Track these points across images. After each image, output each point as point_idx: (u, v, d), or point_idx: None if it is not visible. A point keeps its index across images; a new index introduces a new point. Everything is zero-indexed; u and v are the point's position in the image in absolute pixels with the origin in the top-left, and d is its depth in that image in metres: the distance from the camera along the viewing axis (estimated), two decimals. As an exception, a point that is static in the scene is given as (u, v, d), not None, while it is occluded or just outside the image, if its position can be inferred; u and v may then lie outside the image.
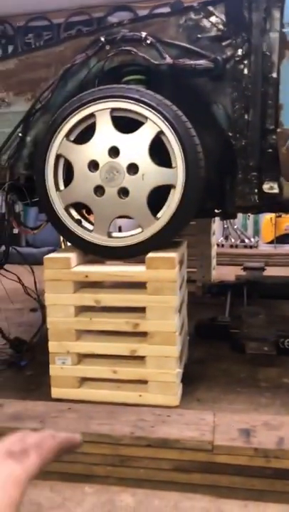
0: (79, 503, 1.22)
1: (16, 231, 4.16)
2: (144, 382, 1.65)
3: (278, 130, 1.66)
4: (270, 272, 3.73)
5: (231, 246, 5.20)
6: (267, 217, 5.18)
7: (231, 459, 1.23)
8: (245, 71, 1.68)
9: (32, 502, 1.23)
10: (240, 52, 1.68)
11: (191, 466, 1.26)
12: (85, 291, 1.71)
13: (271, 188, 1.72)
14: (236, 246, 5.19)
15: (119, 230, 4.59)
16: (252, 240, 5.26)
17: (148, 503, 1.21)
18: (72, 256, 1.68)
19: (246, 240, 5.26)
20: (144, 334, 1.64)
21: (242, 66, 1.68)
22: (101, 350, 1.68)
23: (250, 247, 5.14)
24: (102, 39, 1.73)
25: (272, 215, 5.06)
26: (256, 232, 5.40)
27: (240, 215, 5.28)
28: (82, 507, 1.21)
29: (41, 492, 1.27)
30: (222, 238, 5.36)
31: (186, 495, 1.24)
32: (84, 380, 1.72)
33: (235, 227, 5.37)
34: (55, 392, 1.71)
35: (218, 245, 4.84)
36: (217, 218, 3.95)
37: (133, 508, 1.20)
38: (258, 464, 1.22)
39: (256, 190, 1.76)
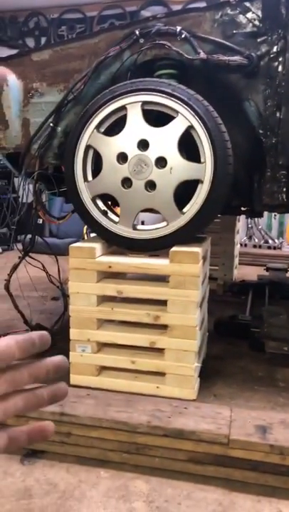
0: (94, 485, 1.25)
1: (40, 221, 4.22)
2: (162, 374, 1.67)
3: (310, 129, 1.64)
4: (293, 273, 3.69)
5: (254, 246, 5.15)
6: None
7: (246, 454, 1.24)
8: (280, 68, 1.67)
9: (48, 482, 1.27)
10: (275, 49, 1.66)
11: (206, 458, 1.27)
12: (107, 281, 1.73)
13: (299, 187, 1.70)
14: (260, 246, 5.14)
15: (142, 224, 4.60)
16: (276, 241, 5.20)
17: (161, 490, 1.23)
18: (97, 246, 1.70)
19: (270, 241, 5.20)
20: (164, 327, 1.65)
21: (276, 63, 1.67)
22: (121, 340, 1.71)
23: (274, 248, 5.08)
24: (137, 32, 1.74)
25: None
26: (281, 234, 5.33)
27: (265, 216, 5.23)
28: (97, 490, 1.23)
29: (57, 473, 1.30)
30: (245, 238, 5.31)
31: (199, 486, 1.25)
32: (102, 369, 1.75)
33: (260, 227, 5.32)
34: (74, 378, 1.74)
35: (241, 245, 4.81)
36: (242, 217, 3.93)
37: (146, 494, 1.22)
38: (273, 461, 1.22)
39: (284, 189, 1.74)
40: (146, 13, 5.03)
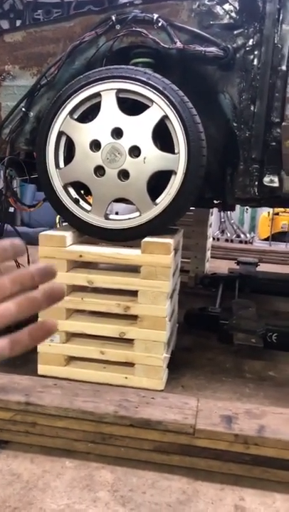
0: (58, 475, 1.24)
1: (11, 210, 4.12)
2: (131, 364, 1.66)
3: (283, 124, 1.66)
4: (264, 268, 3.76)
5: (227, 240, 5.22)
6: (264, 214, 5.19)
7: (211, 444, 1.25)
8: (255, 62, 1.68)
9: (12, 472, 1.25)
10: (251, 42, 1.67)
11: (171, 448, 1.28)
12: (78, 270, 1.71)
13: (271, 181, 1.72)
14: (232, 240, 5.21)
15: (116, 214, 4.58)
16: (247, 235, 5.28)
17: (126, 480, 1.23)
18: (68, 235, 1.67)
19: (242, 235, 5.28)
20: (134, 317, 1.65)
21: (252, 56, 1.67)
22: (90, 330, 1.69)
23: (246, 242, 5.16)
24: (113, 18, 1.71)
25: (270, 211, 5.08)
26: (252, 228, 5.42)
27: (238, 210, 5.30)
28: (61, 480, 1.22)
29: (21, 463, 1.28)
30: (218, 232, 5.37)
31: (164, 475, 1.26)
32: (71, 359, 1.73)
33: (232, 221, 5.39)
34: (42, 369, 1.72)
35: (213, 239, 4.85)
36: (214, 211, 3.95)
37: (111, 484, 1.21)
38: (237, 450, 1.24)
39: (256, 183, 1.76)
40: None
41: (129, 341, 1.67)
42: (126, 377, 1.66)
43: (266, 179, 1.72)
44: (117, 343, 1.69)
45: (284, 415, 1.35)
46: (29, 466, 1.27)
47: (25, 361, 1.86)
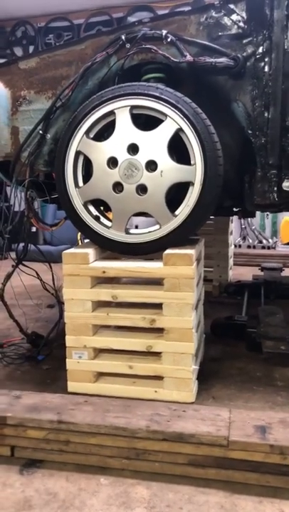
0: (94, 493, 1.24)
1: (34, 229, 4.20)
2: (160, 378, 1.66)
3: (298, 128, 1.65)
4: (288, 272, 3.70)
5: (249, 246, 5.17)
6: (286, 218, 5.13)
7: (246, 455, 1.23)
8: (266, 69, 1.68)
9: (48, 492, 1.25)
10: (260, 49, 1.67)
11: (206, 461, 1.27)
12: (102, 286, 1.72)
13: (290, 186, 1.71)
14: (254, 247, 5.16)
15: (136, 228, 4.60)
16: (270, 240, 5.22)
17: (162, 495, 1.22)
18: (91, 252, 1.70)
19: (264, 241, 5.22)
20: (160, 330, 1.65)
21: (262, 64, 1.68)
22: (117, 345, 1.70)
23: (268, 247, 5.10)
24: (123, 37, 1.75)
25: (291, 215, 5.01)
26: (274, 233, 5.35)
27: (258, 216, 5.25)
28: (97, 497, 1.22)
29: (57, 482, 1.29)
30: (239, 239, 5.33)
31: (200, 489, 1.24)
32: (100, 375, 1.74)
33: (253, 227, 5.34)
34: (72, 386, 1.73)
35: (235, 246, 4.82)
36: (235, 218, 3.94)
37: (147, 500, 1.20)
38: (274, 461, 1.22)
39: (275, 188, 1.75)
40: (132, 19, 5.06)
41: (157, 354, 1.66)
42: (156, 391, 1.66)
43: (285, 184, 1.70)
44: (144, 357, 1.69)
45: None
46: (65, 484, 1.28)
47: (54, 379, 1.88)
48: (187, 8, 1.86)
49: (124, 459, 1.32)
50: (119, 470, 1.32)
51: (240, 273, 3.90)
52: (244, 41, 1.68)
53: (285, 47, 1.63)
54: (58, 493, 1.24)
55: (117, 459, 1.33)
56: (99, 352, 1.75)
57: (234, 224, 4.00)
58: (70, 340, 1.72)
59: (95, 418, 1.36)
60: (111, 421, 1.35)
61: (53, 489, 1.26)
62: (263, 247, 5.11)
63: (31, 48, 5.78)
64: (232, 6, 1.67)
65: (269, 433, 1.27)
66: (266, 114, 1.70)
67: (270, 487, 1.23)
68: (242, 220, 5.13)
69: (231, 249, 3.63)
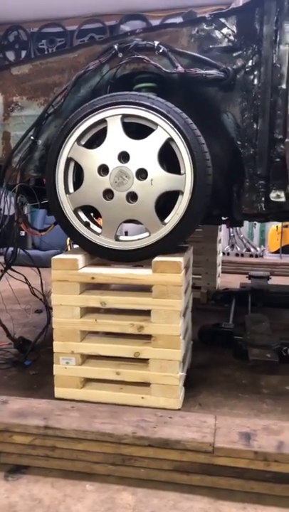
0: (79, 499, 1.24)
1: (22, 233, 4.16)
2: (147, 384, 1.67)
3: (286, 140, 1.69)
4: (275, 281, 3.75)
5: (237, 254, 5.22)
6: (273, 227, 5.20)
7: (231, 462, 1.25)
8: (255, 81, 1.72)
9: (33, 497, 1.25)
10: (250, 63, 1.71)
11: (191, 467, 1.28)
12: (91, 292, 1.73)
13: (278, 196, 1.74)
14: (242, 255, 5.21)
15: (126, 234, 4.62)
16: (258, 249, 5.27)
17: (147, 501, 1.23)
18: (80, 258, 1.71)
19: (252, 249, 5.27)
20: (148, 337, 1.66)
21: (252, 77, 1.72)
22: (105, 352, 1.71)
23: (256, 256, 5.16)
24: (116, 47, 1.77)
25: (279, 224, 5.08)
26: (262, 242, 5.41)
27: (246, 224, 5.31)
28: (82, 503, 1.22)
29: (42, 488, 1.29)
30: (228, 247, 5.38)
31: (185, 495, 1.25)
32: (87, 381, 1.74)
33: (242, 236, 5.39)
34: (58, 391, 1.73)
35: (223, 253, 4.86)
36: (223, 226, 3.97)
37: (132, 506, 1.21)
38: (258, 468, 1.23)
39: (263, 199, 1.78)
40: (125, 27, 5.11)
41: (145, 361, 1.67)
42: (143, 398, 1.67)
43: (273, 195, 1.74)
44: (132, 363, 1.70)
45: (303, 430, 1.34)
46: (50, 490, 1.28)
47: (41, 385, 1.88)
48: (179, 20, 1.90)
49: (110, 465, 1.33)
50: (105, 476, 1.33)
51: (228, 280, 3.94)
52: (234, 54, 1.72)
53: (274, 61, 1.67)
54: (42, 499, 1.24)
55: (103, 464, 1.33)
56: (86, 358, 1.75)
57: (223, 232, 4.04)
58: (57, 345, 1.72)
59: (81, 424, 1.37)
60: (97, 427, 1.35)
61: (38, 495, 1.26)
62: (251, 255, 5.17)
63: (23, 53, 5.79)
64: (223, 20, 1.71)
65: (254, 440, 1.29)
66: (255, 126, 1.74)
67: (254, 493, 1.25)
68: (231, 229, 5.18)
69: (220, 257, 3.67)
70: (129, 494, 1.26)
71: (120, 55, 1.78)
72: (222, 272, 3.90)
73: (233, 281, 3.80)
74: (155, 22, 5.02)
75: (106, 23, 5.35)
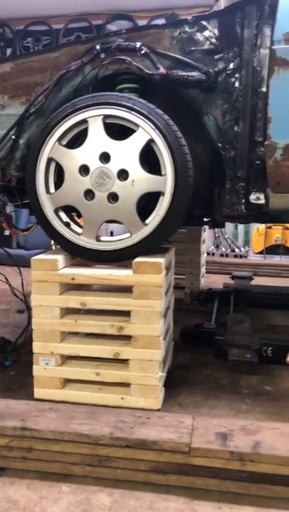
0: (55, 501, 1.24)
1: (7, 233, 4.15)
2: (127, 385, 1.67)
3: (266, 143, 1.71)
4: (259, 281, 3.78)
5: (222, 255, 5.25)
6: (256, 229, 5.25)
7: (207, 462, 1.26)
8: (236, 84, 1.73)
9: (8, 499, 1.24)
10: (231, 66, 1.72)
11: (168, 467, 1.28)
12: (71, 293, 1.73)
13: (258, 198, 1.76)
14: (226, 255, 5.24)
15: (111, 234, 4.62)
16: (242, 249, 5.31)
17: (123, 502, 1.23)
18: (60, 258, 1.70)
19: (236, 250, 5.31)
20: (128, 337, 1.66)
21: (233, 79, 1.73)
22: (85, 352, 1.70)
23: (240, 256, 5.19)
24: (98, 47, 1.77)
25: (260, 226, 5.13)
26: (246, 242, 5.46)
27: (231, 225, 5.35)
28: (58, 505, 1.22)
29: (18, 490, 1.28)
30: (213, 247, 5.41)
31: (161, 496, 1.26)
32: (67, 382, 1.74)
33: (226, 236, 5.43)
34: (38, 392, 1.72)
35: (208, 254, 4.89)
36: (208, 227, 4.00)
37: (108, 507, 1.21)
38: (234, 467, 1.25)
39: (243, 201, 1.79)
40: (112, 27, 5.10)
41: (125, 362, 1.68)
42: (122, 398, 1.67)
43: (252, 197, 1.75)
44: (112, 364, 1.70)
45: (279, 430, 1.36)
46: (26, 492, 1.27)
47: (21, 385, 1.87)
48: (162, 22, 1.90)
49: (87, 466, 1.33)
50: (81, 477, 1.33)
51: (212, 281, 3.96)
52: (216, 57, 1.73)
53: (254, 64, 1.68)
54: (18, 501, 1.24)
55: (80, 466, 1.33)
56: (66, 359, 1.75)
57: (208, 232, 4.06)
58: (37, 346, 1.71)
59: (58, 425, 1.36)
60: (75, 428, 1.35)
61: (14, 497, 1.25)
62: (236, 256, 5.20)
63: (9, 51, 5.74)
64: (204, 23, 1.72)
65: (230, 440, 1.30)
66: (236, 128, 1.75)
67: (230, 493, 1.26)
68: (215, 229, 5.21)
69: (203, 258, 3.69)
70: (105, 495, 1.26)
71: (102, 55, 1.78)
72: (206, 272, 3.92)
73: (217, 282, 3.82)
74: (142, 22, 5.02)
75: (93, 23, 5.33)
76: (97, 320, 1.69)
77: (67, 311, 1.74)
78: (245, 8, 1.66)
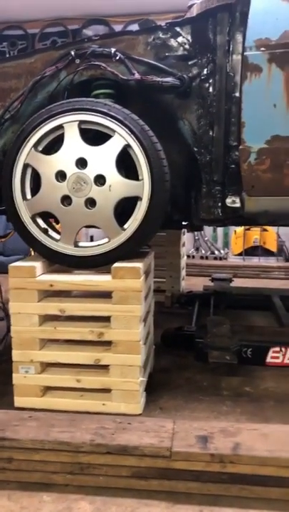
0: (36, 511, 1.22)
1: (-15, 239, 4.06)
2: (108, 390, 1.67)
3: (241, 147, 1.73)
4: (238, 283, 3.82)
5: (202, 257, 5.29)
6: (235, 230, 5.31)
7: (188, 465, 1.26)
8: (210, 90, 1.75)
9: (-11, 511, 1.23)
10: (205, 71, 1.75)
11: (149, 472, 1.28)
12: (49, 300, 1.72)
13: (233, 202, 1.78)
14: (206, 257, 5.28)
15: (91, 239, 4.61)
16: (221, 251, 5.36)
17: (105, 509, 1.23)
18: (38, 265, 1.69)
19: (216, 252, 5.35)
20: (108, 343, 1.66)
21: (207, 85, 1.75)
22: (65, 359, 1.69)
23: (220, 258, 5.24)
24: (72, 53, 1.77)
25: (238, 229, 5.19)
26: (226, 244, 5.51)
27: (210, 227, 5.39)
28: (39, 515, 1.21)
29: (-1, 501, 1.27)
30: (193, 249, 5.44)
31: (143, 501, 1.25)
32: (47, 389, 1.72)
33: (206, 238, 5.47)
34: (18, 400, 1.71)
35: (188, 256, 4.91)
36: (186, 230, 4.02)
37: (90, 515, 1.21)
38: (214, 470, 1.25)
39: (219, 204, 1.82)
40: (88, 31, 5.10)
41: (105, 367, 1.67)
42: (104, 404, 1.66)
43: (228, 200, 1.78)
44: (92, 370, 1.69)
45: (258, 431, 1.38)
46: (6, 503, 1.25)
47: (1, 394, 1.84)
48: (136, 28, 1.91)
49: (68, 474, 1.32)
50: (63, 486, 1.32)
51: (193, 283, 3.98)
52: (189, 63, 1.75)
53: (228, 70, 1.71)
54: (-2, 513, 1.22)
55: (60, 474, 1.32)
56: (46, 366, 1.74)
57: (187, 235, 4.09)
58: (16, 354, 1.69)
59: (38, 434, 1.35)
60: (55, 436, 1.34)
61: (-6, 509, 1.23)
62: (215, 258, 5.25)
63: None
64: (178, 29, 1.74)
65: (210, 442, 1.31)
66: (211, 133, 1.77)
67: (211, 495, 1.27)
68: (195, 232, 5.25)
69: (184, 261, 3.71)
70: (87, 503, 1.25)
71: (77, 61, 1.78)
72: (187, 275, 3.94)
73: (198, 284, 3.84)
74: (118, 27, 5.04)
75: (68, 27, 5.32)
76: (77, 326, 1.69)
77: (47, 318, 1.72)
78: (217, 14, 1.68)
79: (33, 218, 1.75)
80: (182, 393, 1.88)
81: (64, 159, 1.69)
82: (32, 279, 1.65)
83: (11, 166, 1.73)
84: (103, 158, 1.67)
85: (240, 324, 2.70)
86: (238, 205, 1.77)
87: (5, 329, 2.20)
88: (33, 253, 4.50)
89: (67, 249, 1.74)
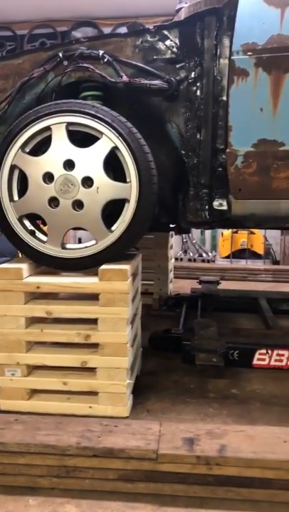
0: (21, 515, 1.21)
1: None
2: (95, 393, 1.66)
3: (228, 150, 1.75)
4: (225, 285, 3.84)
5: (189, 260, 5.31)
6: (222, 233, 5.35)
7: (175, 468, 1.26)
8: (198, 93, 1.76)
9: (-27, 516, 1.21)
10: (193, 74, 1.76)
11: (136, 475, 1.28)
12: (36, 302, 1.70)
13: (220, 204, 1.79)
14: (194, 260, 5.31)
15: (79, 241, 4.59)
16: (209, 254, 5.39)
17: (91, 513, 1.22)
18: (24, 267, 1.68)
19: (204, 254, 5.38)
20: (95, 346, 1.65)
21: (194, 88, 1.76)
22: (52, 362, 1.68)
23: (208, 261, 5.27)
24: (60, 55, 1.77)
25: (225, 232, 5.23)
26: (214, 247, 5.54)
27: (198, 230, 5.42)
28: (25, 519, 1.20)
29: (-17, 506, 1.25)
30: (181, 252, 5.46)
31: (129, 504, 1.25)
32: (34, 392, 1.71)
33: (194, 241, 5.50)
34: (4, 404, 1.69)
35: (176, 259, 4.93)
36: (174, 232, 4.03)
37: (76, 519, 1.20)
38: (200, 472, 1.26)
39: (207, 207, 1.83)
40: (77, 33, 5.10)
41: (92, 370, 1.66)
42: (90, 407, 1.66)
43: (215, 203, 1.79)
44: (79, 373, 1.68)
45: (244, 433, 1.38)
46: (-9, 508, 1.24)
47: (-14, 398, 1.82)
48: (124, 31, 1.92)
49: (54, 477, 1.31)
50: (48, 489, 1.31)
51: (180, 286, 3.99)
52: (177, 66, 1.76)
53: (215, 74, 1.72)
54: (-17, 518, 1.20)
55: (46, 478, 1.31)
56: (33, 369, 1.72)
57: (175, 238, 4.10)
58: (2, 357, 1.68)
59: (24, 437, 1.34)
60: (41, 439, 1.33)
61: (-22, 514, 1.22)
62: (203, 261, 5.27)
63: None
64: (166, 32, 1.75)
65: (197, 444, 1.31)
66: (198, 136, 1.78)
67: (197, 497, 1.27)
68: (183, 234, 5.27)
69: (171, 263, 3.71)
70: (73, 507, 1.24)
71: (65, 63, 1.78)
72: (174, 278, 3.95)
73: (185, 287, 3.85)
74: (107, 30, 5.05)
75: (57, 29, 5.32)
76: (64, 329, 1.68)
77: (33, 321, 1.71)
78: (205, 18, 1.69)
79: (20, 220, 1.74)
80: (169, 395, 1.88)
81: (51, 161, 1.68)
82: (19, 280, 1.64)
83: (-3, 167, 1.71)
84: (91, 160, 1.67)
85: (227, 326, 2.71)
86: (225, 207, 1.79)
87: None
88: (20, 255, 4.46)
89: (55, 251, 1.73)
